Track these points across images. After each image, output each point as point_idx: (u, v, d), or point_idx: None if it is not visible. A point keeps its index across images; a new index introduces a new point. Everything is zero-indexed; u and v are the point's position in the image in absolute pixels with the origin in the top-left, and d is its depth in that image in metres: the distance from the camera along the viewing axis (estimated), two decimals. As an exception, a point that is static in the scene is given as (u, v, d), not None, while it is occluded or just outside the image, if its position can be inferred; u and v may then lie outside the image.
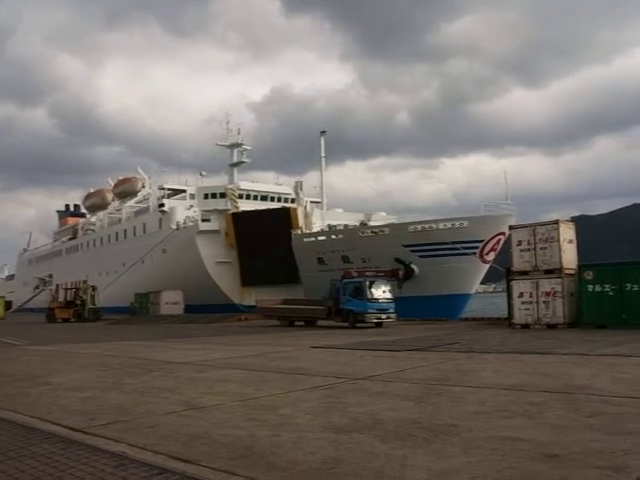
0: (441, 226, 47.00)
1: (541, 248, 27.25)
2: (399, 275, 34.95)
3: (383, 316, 30.81)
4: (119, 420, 8.25)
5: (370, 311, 30.72)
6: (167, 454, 6.39)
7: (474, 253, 44.95)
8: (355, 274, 32.69)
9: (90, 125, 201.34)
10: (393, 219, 62.78)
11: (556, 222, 27.49)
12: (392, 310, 31.15)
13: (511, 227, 30.58)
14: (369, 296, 30.81)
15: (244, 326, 37.09)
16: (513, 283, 27.97)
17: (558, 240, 26.76)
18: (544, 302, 26.56)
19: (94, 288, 53.37)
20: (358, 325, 30.56)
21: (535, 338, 21.53)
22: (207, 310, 51.09)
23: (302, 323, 34.31)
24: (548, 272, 26.95)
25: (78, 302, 52.31)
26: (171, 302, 54.64)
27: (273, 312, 36.69)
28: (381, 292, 31.22)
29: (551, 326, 25.99)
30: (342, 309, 31.50)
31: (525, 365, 13.95)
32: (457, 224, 46.36)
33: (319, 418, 8.22)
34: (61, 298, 54.68)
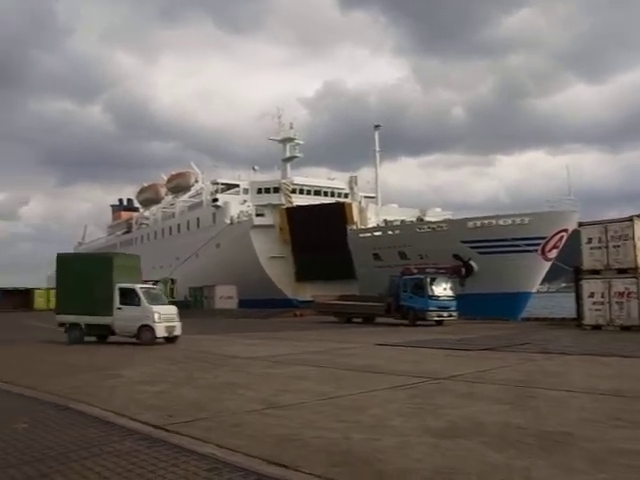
0: (501, 222, 45.62)
1: (614, 246, 25.90)
2: (461, 272, 33.75)
3: (444, 314, 30.01)
4: (199, 417, 7.79)
5: (431, 309, 29.91)
6: (260, 457, 5.87)
7: (536, 250, 43.51)
8: (415, 270, 31.90)
9: (144, 120, 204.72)
10: (449, 215, 61.74)
11: (630, 219, 26.10)
12: (453, 308, 30.28)
13: (581, 224, 29.24)
14: (430, 293, 30.02)
15: (301, 322, 36.64)
16: (583, 282, 26.72)
17: (633, 238, 25.41)
18: (617, 303, 25.25)
19: (173, 281, 53.45)
20: (418, 323, 29.76)
21: (612, 340, 20.44)
22: (260, 305, 50.84)
23: (359, 320, 33.61)
24: (621, 271, 25.59)
25: None
26: (225, 296, 54.62)
27: (330, 308, 36.17)
28: (442, 289, 30.43)
29: (625, 328, 24.68)
30: (402, 306, 30.73)
31: (611, 368, 13.09)
32: (518, 220, 44.93)
33: (413, 420, 7.61)
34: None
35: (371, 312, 32.79)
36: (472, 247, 45.13)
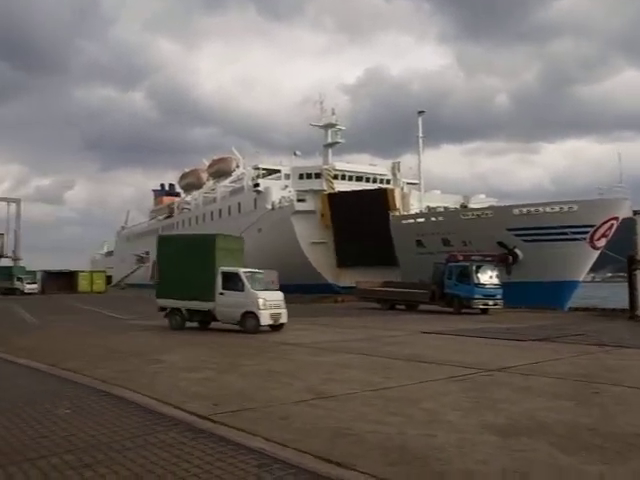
0: (548, 209, 44.49)
1: (671, 235, 24.89)
2: (507, 260, 32.81)
3: (490, 302, 29.16)
4: (246, 408, 7.47)
5: (477, 296, 29.07)
6: (312, 453, 5.51)
7: (584, 238, 42.26)
8: (461, 258, 31.12)
9: (186, 107, 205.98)
10: (493, 202, 60.51)
11: (688, 207, 25.04)
12: (499, 296, 29.45)
13: (635, 212, 28.18)
14: (476, 281, 29.22)
15: (343, 308, 36.26)
16: (637, 272, 25.77)
17: (689, 227, 24.36)
18: (673, 293, 24.29)
19: None
20: (463, 311, 29.11)
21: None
22: (301, 290, 50.50)
23: (402, 307, 33.10)
24: (678, 261, 24.60)
25: None
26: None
27: (374, 294, 35.70)
28: (488, 277, 29.61)
29: (681, 319, 23.76)
30: (446, 293, 30.09)
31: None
32: (566, 208, 43.71)
33: (471, 416, 7.18)
34: None
35: (415, 299, 32.20)
36: (517, 235, 44.07)
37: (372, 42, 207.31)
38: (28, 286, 60.81)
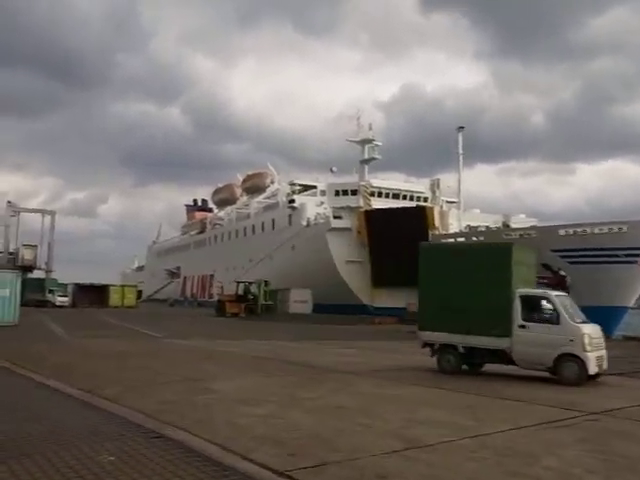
0: (597, 230, 42.61)
1: None
2: (565, 284, 30.65)
3: None
4: (330, 461, 6.02)
5: None
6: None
7: (636, 261, 40.20)
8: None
9: (219, 122, 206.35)
10: (533, 222, 58.91)
11: None
12: None
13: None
14: None
15: (384, 331, 34.65)
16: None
17: None
18: None
19: (267, 283, 52.22)
20: None
21: None
22: (335, 310, 49.06)
23: None
24: None
25: (250, 297, 51.57)
26: (299, 300, 53.00)
27: None
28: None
29: None
30: None
31: None
32: (615, 228, 41.79)
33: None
34: (231, 292, 54.06)
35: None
36: (563, 257, 42.23)
37: (408, 58, 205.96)
38: (59, 299, 60.16)
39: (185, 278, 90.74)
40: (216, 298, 69.00)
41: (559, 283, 29.94)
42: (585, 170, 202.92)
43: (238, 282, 53.72)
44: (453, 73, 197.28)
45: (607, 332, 36.20)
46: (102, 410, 8.09)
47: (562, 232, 44.02)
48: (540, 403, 10.25)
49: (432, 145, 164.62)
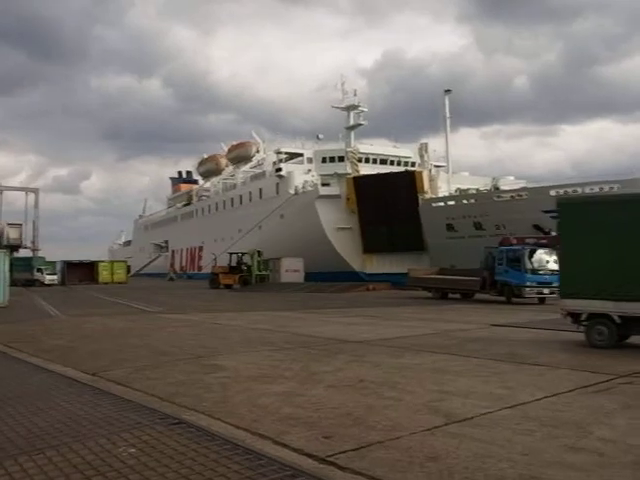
0: (588, 190, 42.35)
1: None
2: None
3: (545, 290, 26.70)
4: (371, 442, 5.52)
5: (529, 284, 26.77)
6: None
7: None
8: (514, 241, 28.97)
9: (202, 94, 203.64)
10: (522, 183, 58.64)
11: None
12: (557, 284, 27.05)
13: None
14: (528, 267, 26.91)
15: (380, 297, 34.21)
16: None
17: None
18: None
19: (260, 253, 51.58)
20: (518, 301, 26.79)
21: None
22: (327, 278, 48.74)
23: (457, 296, 30.97)
24: None
25: (244, 268, 51.16)
26: (291, 269, 52.51)
27: (426, 283, 33.25)
28: (543, 262, 27.24)
29: None
30: (497, 281, 27.91)
31: None
32: (606, 188, 41.52)
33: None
34: (225, 263, 53.57)
35: (465, 287, 30.02)
36: (554, 217, 41.85)
37: (389, 24, 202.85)
38: (48, 277, 59.50)
39: (173, 251, 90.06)
40: (204, 270, 68.64)
41: (559, 242, 29.40)
42: (569, 132, 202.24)
43: (231, 253, 53.20)
44: (436, 38, 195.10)
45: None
46: (112, 395, 7.51)
47: (553, 192, 43.70)
48: (564, 367, 9.84)
49: (416, 111, 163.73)
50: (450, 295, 31.39)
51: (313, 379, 8.68)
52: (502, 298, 27.40)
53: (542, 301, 26.80)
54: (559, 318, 18.72)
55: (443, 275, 32.89)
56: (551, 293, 26.65)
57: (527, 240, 29.42)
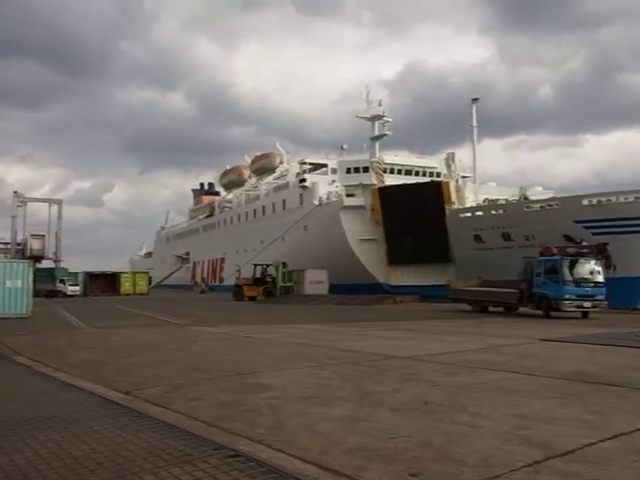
0: (622, 199, 41.15)
1: None
2: (606, 252, 28.42)
3: (586, 304, 25.23)
4: (467, 482, 4.63)
5: (567, 296, 25.13)
6: None
7: (666, 230, 38.58)
8: (555, 251, 27.68)
9: (224, 106, 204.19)
10: (550, 194, 57.66)
11: None
12: (601, 297, 25.54)
13: None
14: (567, 278, 25.35)
15: (411, 310, 33.21)
16: None
17: None
18: None
19: (285, 265, 50.76)
20: (554, 315, 25.36)
21: None
22: (351, 290, 47.83)
23: (500, 309, 29.36)
24: None
25: (268, 279, 50.44)
26: (315, 281, 51.55)
27: (468, 295, 31.71)
28: (586, 273, 25.83)
29: None
30: (535, 293, 26.56)
31: None
32: (643, 196, 40.31)
33: None
34: (249, 275, 52.91)
35: (502, 300, 28.75)
36: (586, 227, 40.76)
37: (412, 36, 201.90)
38: (70, 288, 59.12)
39: (195, 263, 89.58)
40: (226, 282, 67.96)
41: (600, 252, 28.14)
42: (593, 142, 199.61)
43: (255, 265, 52.49)
44: (460, 49, 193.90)
45: (631, 303, 34.67)
46: (151, 419, 6.67)
47: (585, 202, 42.61)
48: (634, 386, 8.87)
49: (439, 122, 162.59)
50: (491, 309, 29.89)
51: (371, 400, 7.78)
52: (541, 312, 26.11)
53: (585, 315, 25.35)
54: (609, 332, 17.81)
55: (485, 287, 31.13)
56: (593, 307, 25.40)
57: (568, 250, 28.11)
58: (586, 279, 25.60)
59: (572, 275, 25.49)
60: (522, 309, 27.60)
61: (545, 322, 23.00)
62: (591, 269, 25.93)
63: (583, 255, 27.13)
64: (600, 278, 25.74)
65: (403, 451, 5.41)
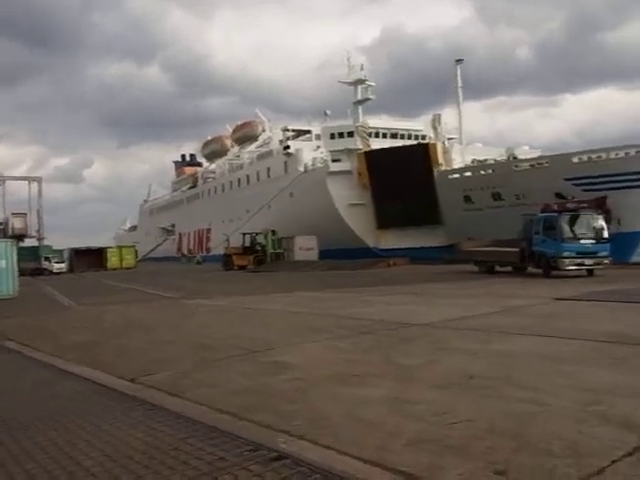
0: (612, 155, 40.69)
1: None
2: (605, 206, 27.37)
3: (587, 262, 24.14)
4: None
5: (566, 254, 24.01)
6: None
7: (659, 185, 38.14)
8: (555, 207, 26.82)
9: (201, 77, 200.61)
10: (537, 152, 57.52)
11: None
12: (604, 253, 24.50)
13: None
14: (565, 234, 24.20)
15: (407, 273, 32.43)
16: None
17: None
18: None
19: (274, 232, 50.43)
20: (557, 274, 24.33)
21: None
22: (341, 255, 47.31)
23: (509, 269, 28.21)
24: None
25: (258, 248, 49.80)
26: (305, 248, 50.93)
27: (475, 256, 30.36)
28: (587, 228, 24.75)
29: None
30: (535, 252, 25.59)
31: None
32: (632, 152, 39.84)
33: None
34: (239, 244, 52.13)
35: (502, 259, 27.95)
36: (577, 184, 40.22)
37: (389, 1, 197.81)
38: (56, 265, 58.20)
39: (180, 234, 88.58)
40: (213, 252, 67.13)
41: (599, 206, 27.34)
42: (573, 102, 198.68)
43: (244, 234, 51.74)
44: (436, 12, 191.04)
45: (624, 258, 34.07)
46: (168, 412, 5.76)
47: (575, 159, 42.25)
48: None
49: (419, 86, 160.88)
50: (499, 269, 28.78)
51: (408, 377, 6.96)
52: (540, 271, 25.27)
53: (590, 273, 24.34)
54: (620, 289, 17.17)
55: (497, 247, 29.37)
56: (596, 264, 24.54)
57: (568, 205, 27.22)
58: (587, 235, 24.63)
59: (572, 231, 24.48)
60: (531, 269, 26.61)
61: (553, 281, 22.24)
62: (593, 224, 24.92)
63: (583, 209, 26.12)
64: (603, 234, 24.88)
65: (473, 440, 4.59)
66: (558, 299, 15.26)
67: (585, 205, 27.03)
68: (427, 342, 9.38)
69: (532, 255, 25.63)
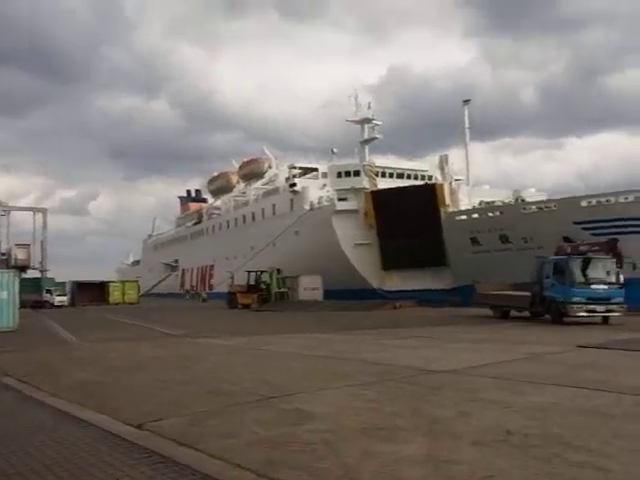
0: (622, 199, 40.30)
1: None
2: (617, 249, 26.63)
3: (599, 308, 23.06)
4: None
5: (575, 300, 22.81)
6: None
7: (674, 230, 37.60)
8: (569, 250, 26.14)
9: (208, 113, 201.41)
10: (543, 195, 57.23)
11: None
12: (618, 299, 23.45)
13: None
14: (575, 279, 23.23)
15: (415, 316, 31.72)
16: None
17: None
18: None
19: (279, 271, 49.63)
20: (570, 321, 23.25)
21: None
22: (346, 296, 46.68)
23: (526, 314, 26.93)
24: None
25: (263, 286, 49.19)
26: (310, 288, 50.29)
27: (490, 299, 29.12)
28: (599, 273, 23.78)
29: None
30: (545, 297, 24.60)
31: None
32: (643, 196, 39.49)
33: None
34: (243, 282, 51.57)
35: (512, 304, 27.21)
36: (585, 228, 39.80)
37: (395, 40, 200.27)
38: (58, 298, 57.47)
39: (184, 270, 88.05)
40: (216, 289, 66.49)
41: (611, 249, 26.39)
42: (576, 145, 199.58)
43: (249, 271, 51.20)
44: (443, 53, 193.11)
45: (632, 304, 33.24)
46: (180, 467, 5.18)
47: (584, 203, 41.86)
48: None
49: (425, 126, 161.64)
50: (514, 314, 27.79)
51: (442, 431, 6.39)
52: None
53: (605, 320, 23.43)
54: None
55: (515, 291, 28.18)
56: (608, 311, 23.60)
57: (580, 248, 26.46)
58: (599, 279, 23.68)
59: (584, 276, 23.48)
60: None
61: (566, 328, 21.54)
62: (605, 268, 24.03)
63: (595, 253, 25.27)
64: (617, 278, 24.00)
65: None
66: (580, 346, 14.65)
67: (597, 248, 26.32)
68: (454, 391, 8.81)
69: (543, 300, 24.79)
